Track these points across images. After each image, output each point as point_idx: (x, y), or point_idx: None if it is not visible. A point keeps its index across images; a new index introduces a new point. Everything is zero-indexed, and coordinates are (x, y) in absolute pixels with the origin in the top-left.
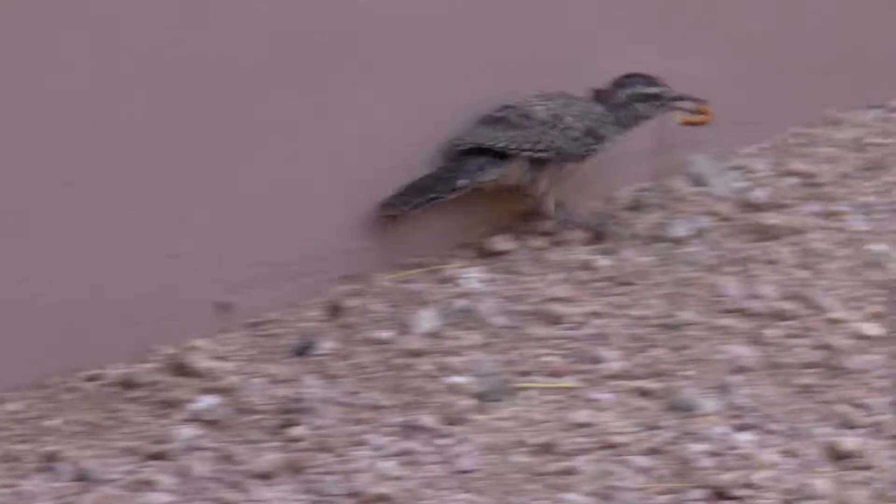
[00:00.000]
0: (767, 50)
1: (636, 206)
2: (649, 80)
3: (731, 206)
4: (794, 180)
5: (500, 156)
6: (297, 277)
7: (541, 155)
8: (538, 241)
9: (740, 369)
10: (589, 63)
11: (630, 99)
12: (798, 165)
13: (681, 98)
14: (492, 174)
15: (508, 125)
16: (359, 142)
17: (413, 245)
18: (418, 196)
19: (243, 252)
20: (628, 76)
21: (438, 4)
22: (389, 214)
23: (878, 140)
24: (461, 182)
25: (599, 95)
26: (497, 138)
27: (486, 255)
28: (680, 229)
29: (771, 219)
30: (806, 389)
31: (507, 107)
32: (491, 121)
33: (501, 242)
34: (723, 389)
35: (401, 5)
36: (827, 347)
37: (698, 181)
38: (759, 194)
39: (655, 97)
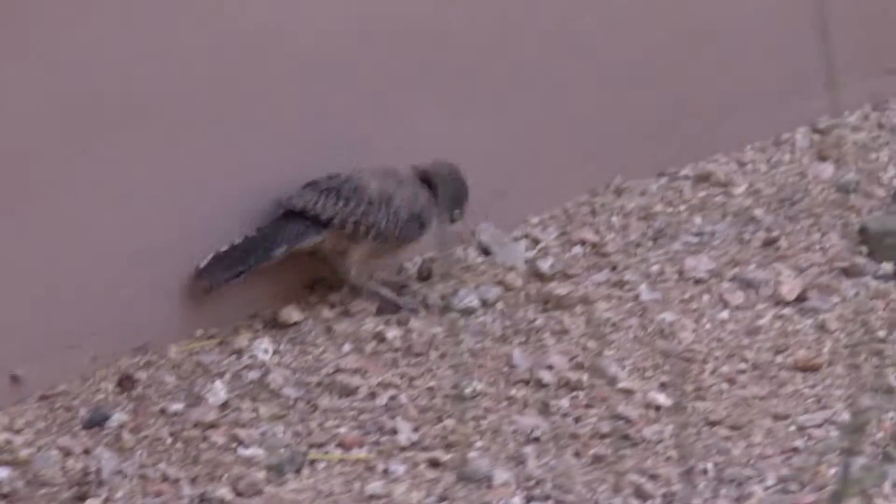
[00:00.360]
0: (554, 118)
1: (425, 276)
2: (460, 183)
3: (520, 275)
4: (581, 249)
5: (322, 224)
6: (88, 349)
7: (361, 232)
8: (328, 312)
9: (533, 440)
10: (383, 126)
11: (452, 202)
12: (585, 234)
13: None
14: (310, 241)
15: (338, 196)
16: (149, 210)
17: (203, 316)
18: (235, 266)
19: (33, 324)
20: (447, 170)
21: (249, 67)
22: (204, 286)
23: (665, 208)
24: (279, 251)
25: (424, 178)
26: (325, 208)
27: (276, 326)
28: (469, 299)
29: (559, 288)
30: (599, 460)
31: (338, 177)
32: (320, 188)
33: (291, 313)
34: (516, 460)
35: (207, 69)
36: (618, 417)
37: (486, 251)
38: (547, 264)
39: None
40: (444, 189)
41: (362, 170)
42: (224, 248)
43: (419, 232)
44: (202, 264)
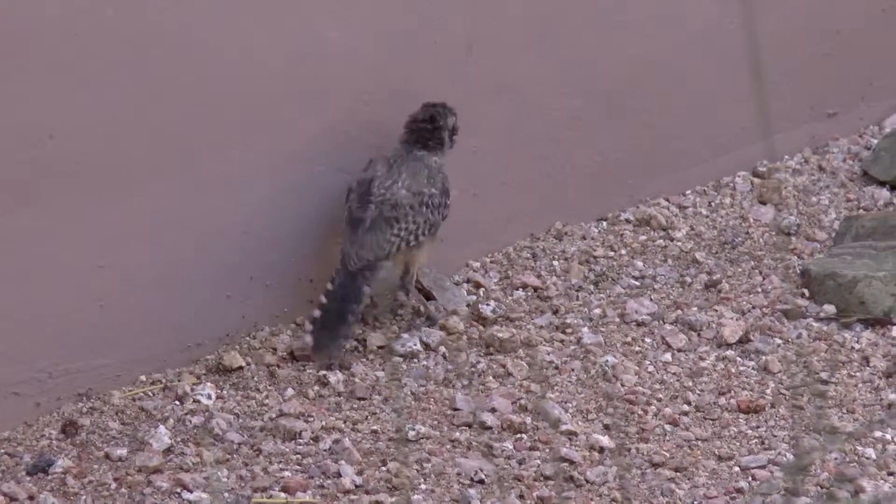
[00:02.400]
0: (494, 163)
1: (365, 320)
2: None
3: (462, 319)
4: (523, 293)
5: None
6: (32, 396)
7: (421, 239)
8: (271, 357)
9: (477, 482)
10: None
11: (452, 137)
12: (527, 278)
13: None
14: (384, 273)
15: (384, 221)
16: (93, 259)
17: (146, 361)
18: (337, 329)
19: None
20: (440, 108)
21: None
22: (325, 363)
23: (606, 252)
24: (367, 290)
25: (425, 138)
26: (383, 245)
27: (219, 371)
28: (411, 343)
29: (502, 332)
30: (543, 502)
31: (368, 196)
32: (362, 221)
33: (235, 358)
34: (460, 503)
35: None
36: (562, 459)
37: (428, 295)
38: (489, 308)
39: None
40: (446, 121)
41: (381, 172)
42: (317, 314)
43: (448, 201)
44: (309, 341)
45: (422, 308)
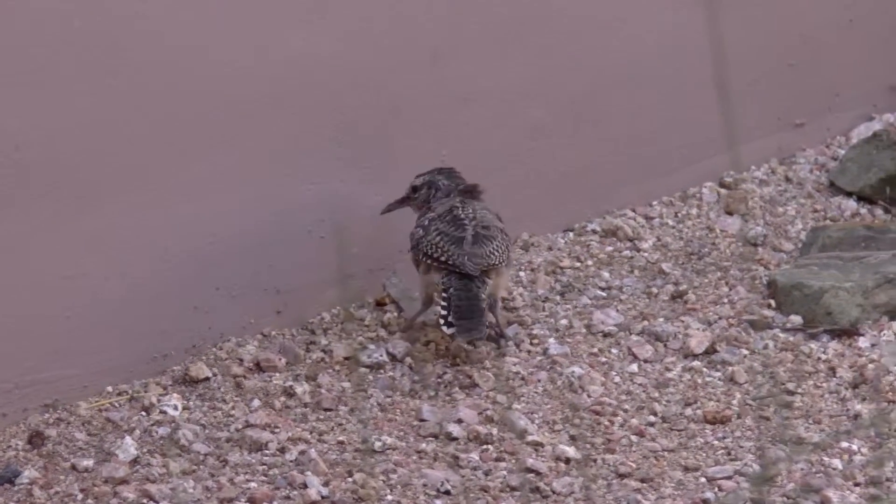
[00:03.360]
0: (461, 173)
1: (329, 329)
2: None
3: (429, 330)
4: None
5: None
6: None
7: (504, 261)
8: (237, 368)
9: (443, 493)
10: (292, 186)
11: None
12: None
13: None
14: (487, 287)
15: (483, 238)
16: (55, 269)
17: (113, 372)
18: (479, 314)
19: None
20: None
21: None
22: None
23: (572, 263)
24: (483, 297)
25: (476, 191)
26: (488, 256)
27: (185, 382)
28: (377, 354)
29: (468, 343)
30: None
31: (460, 221)
32: (464, 238)
33: (201, 369)
34: None
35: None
36: (528, 470)
37: (395, 306)
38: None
39: None
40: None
41: (446, 204)
42: (444, 312)
43: None
44: (448, 331)
45: (494, 332)
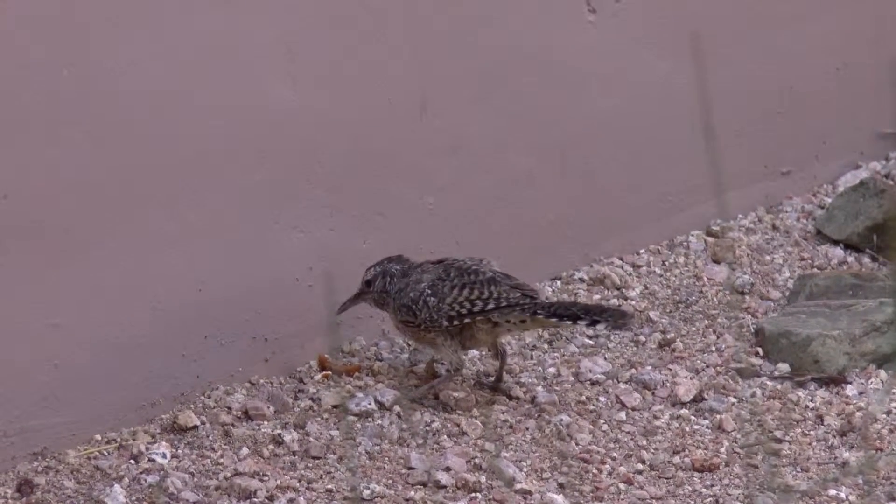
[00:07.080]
0: (446, 220)
1: (317, 377)
2: None
3: (417, 379)
4: (477, 352)
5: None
6: None
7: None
8: (226, 416)
9: None
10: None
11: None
12: None
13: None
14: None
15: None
16: (43, 317)
17: (102, 420)
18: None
19: None
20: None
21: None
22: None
23: None
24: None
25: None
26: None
27: (174, 430)
28: (365, 402)
29: (456, 391)
30: None
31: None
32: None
33: (189, 417)
34: None
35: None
36: None
37: (384, 353)
38: (444, 367)
39: None
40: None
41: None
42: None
43: None
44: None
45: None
